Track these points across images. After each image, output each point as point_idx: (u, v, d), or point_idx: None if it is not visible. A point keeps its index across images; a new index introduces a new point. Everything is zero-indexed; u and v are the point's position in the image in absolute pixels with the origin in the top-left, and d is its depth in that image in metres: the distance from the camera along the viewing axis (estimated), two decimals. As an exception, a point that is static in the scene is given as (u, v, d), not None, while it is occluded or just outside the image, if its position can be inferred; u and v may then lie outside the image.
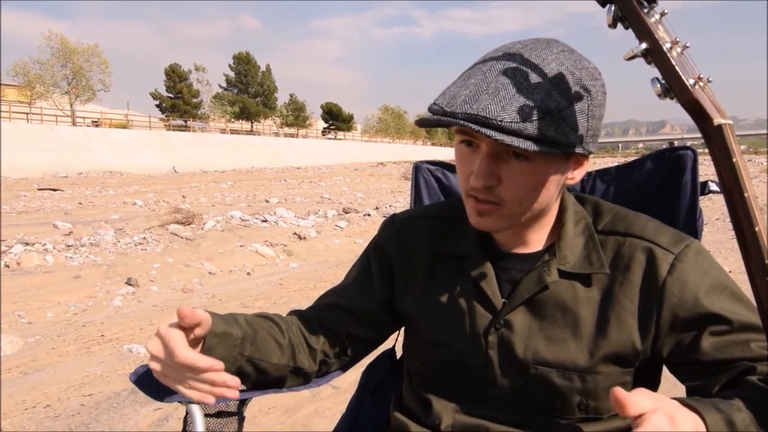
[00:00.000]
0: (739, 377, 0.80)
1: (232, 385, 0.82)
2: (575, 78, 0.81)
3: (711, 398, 0.73)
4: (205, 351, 0.89)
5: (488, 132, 0.76)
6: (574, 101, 0.80)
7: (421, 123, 0.84)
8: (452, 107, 0.80)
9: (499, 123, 0.76)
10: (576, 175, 0.90)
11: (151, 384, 0.95)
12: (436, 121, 0.82)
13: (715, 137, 0.68)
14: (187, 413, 0.99)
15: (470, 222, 0.91)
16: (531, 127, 0.77)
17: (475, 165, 0.84)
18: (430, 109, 0.84)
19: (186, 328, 0.85)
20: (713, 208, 9.61)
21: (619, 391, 0.62)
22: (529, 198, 0.86)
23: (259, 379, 1.00)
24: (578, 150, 0.83)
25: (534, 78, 0.80)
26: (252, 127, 60.07)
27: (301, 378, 1.05)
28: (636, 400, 0.63)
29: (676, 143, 1.10)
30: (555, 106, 0.79)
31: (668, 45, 0.69)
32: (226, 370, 0.88)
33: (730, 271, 4.69)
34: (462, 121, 0.78)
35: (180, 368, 0.81)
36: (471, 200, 0.88)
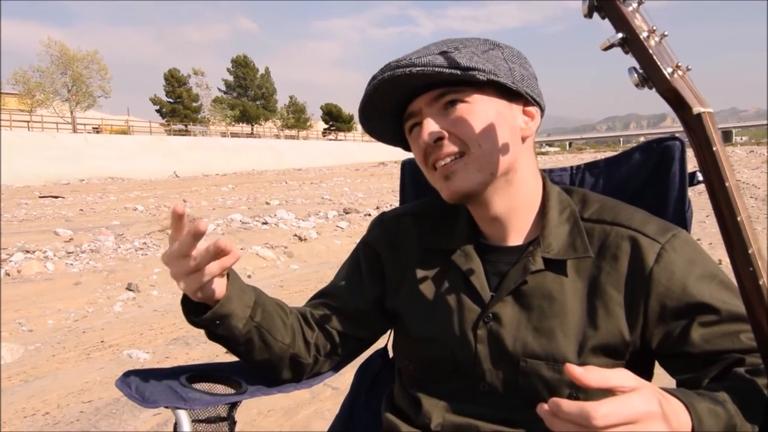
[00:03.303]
0: (728, 369, 0.79)
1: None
2: (481, 40, 0.93)
3: (696, 390, 0.72)
4: (224, 299, 0.90)
5: (399, 71, 0.85)
6: (485, 50, 0.90)
7: (362, 116, 0.97)
8: (371, 78, 0.91)
9: (410, 61, 0.86)
10: (531, 127, 0.94)
11: (136, 390, 0.95)
12: (364, 96, 0.92)
13: (694, 126, 0.67)
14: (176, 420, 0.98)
15: (444, 197, 0.93)
16: (440, 59, 0.86)
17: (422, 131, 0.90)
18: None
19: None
20: (715, 200, 9.57)
21: (570, 367, 0.58)
22: (485, 138, 0.89)
23: (263, 356, 0.99)
24: (505, 82, 0.88)
25: (441, 43, 0.91)
26: (252, 129, 60.11)
27: (297, 370, 1.04)
28: (602, 372, 0.59)
29: (677, 136, 1.09)
30: (463, 45, 0.89)
31: (645, 34, 0.68)
32: (238, 331, 0.93)
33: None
34: (379, 76, 0.88)
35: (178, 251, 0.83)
36: (436, 171, 0.92)
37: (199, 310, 0.91)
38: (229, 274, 0.92)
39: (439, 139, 0.89)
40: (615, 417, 0.57)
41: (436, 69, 0.84)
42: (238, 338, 0.95)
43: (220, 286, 0.89)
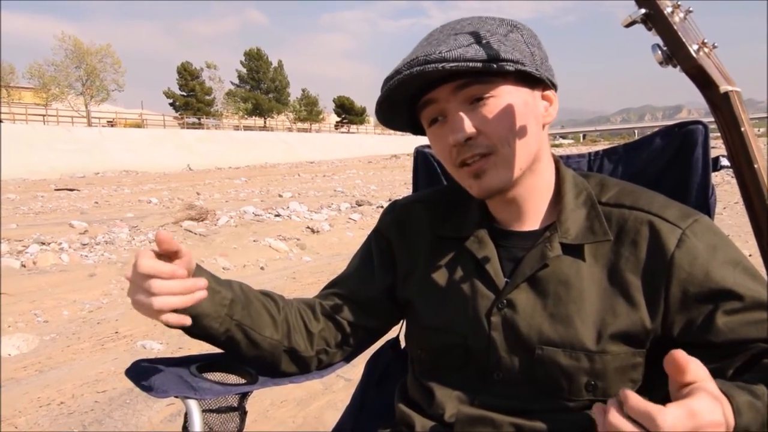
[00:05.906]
0: (755, 360, 0.76)
1: (200, 286, 0.82)
2: (498, 20, 0.89)
3: (736, 382, 0.70)
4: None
5: (431, 66, 0.80)
6: (506, 33, 0.86)
7: (379, 108, 0.91)
8: (394, 72, 0.86)
9: (440, 54, 0.81)
10: (551, 113, 0.91)
11: (146, 379, 0.94)
12: (386, 91, 0.87)
13: (721, 105, 0.64)
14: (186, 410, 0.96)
15: (473, 193, 0.90)
16: (471, 51, 0.81)
17: (450, 128, 0.87)
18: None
19: (164, 256, 0.82)
20: (732, 192, 9.45)
21: (679, 353, 0.58)
22: (514, 135, 0.85)
23: (252, 353, 0.98)
24: (531, 70, 0.84)
25: (460, 27, 0.87)
26: (265, 123, 60.19)
27: (299, 363, 1.03)
28: (696, 368, 0.59)
29: (701, 120, 1.05)
30: (487, 31, 0.85)
31: (669, 9, 0.65)
32: (215, 330, 0.91)
33: (750, 255, 4.59)
34: (406, 71, 0.82)
35: (144, 280, 0.79)
36: (463, 169, 0.88)
37: None
38: (204, 273, 0.90)
39: (467, 139, 0.85)
40: (682, 426, 0.55)
41: (470, 64, 0.80)
42: (217, 337, 0.94)
43: None
